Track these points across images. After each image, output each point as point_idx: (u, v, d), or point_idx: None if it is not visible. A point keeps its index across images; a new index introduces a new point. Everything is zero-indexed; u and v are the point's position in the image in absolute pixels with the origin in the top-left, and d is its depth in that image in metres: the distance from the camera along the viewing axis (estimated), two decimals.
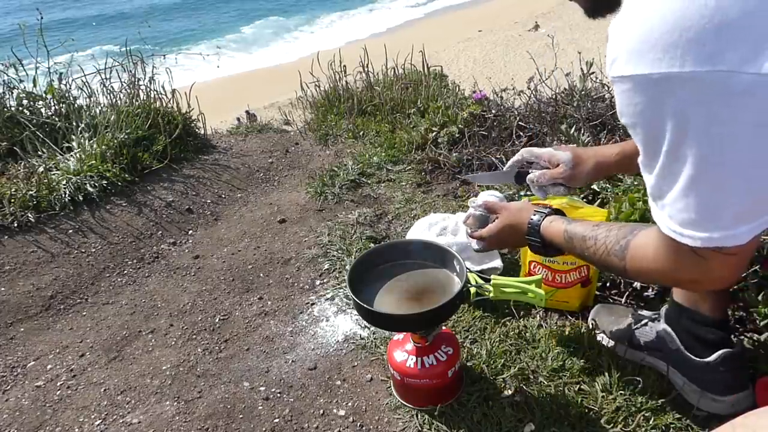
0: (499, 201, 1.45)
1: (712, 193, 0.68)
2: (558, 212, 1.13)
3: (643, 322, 1.32)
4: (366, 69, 3.62)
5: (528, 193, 1.49)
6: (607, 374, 1.28)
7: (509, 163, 1.41)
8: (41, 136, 2.60)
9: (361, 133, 3.03)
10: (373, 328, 1.56)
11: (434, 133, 2.61)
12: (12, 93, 2.79)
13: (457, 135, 2.54)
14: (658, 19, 0.63)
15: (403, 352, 1.26)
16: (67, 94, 2.86)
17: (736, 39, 0.59)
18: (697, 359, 1.18)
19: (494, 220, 1.25)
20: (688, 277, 0.79)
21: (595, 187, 1.79)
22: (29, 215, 2.18)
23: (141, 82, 2.95)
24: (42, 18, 2.81)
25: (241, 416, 1.35)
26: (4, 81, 2.78)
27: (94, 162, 2.40)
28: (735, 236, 0.69)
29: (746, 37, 0.59)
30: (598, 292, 1.56)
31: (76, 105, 2.85)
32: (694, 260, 0.74)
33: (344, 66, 3.64)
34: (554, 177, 1.29)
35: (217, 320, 1.72)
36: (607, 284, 1.58)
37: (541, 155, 1.33)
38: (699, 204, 0.69)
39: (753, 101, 0.60)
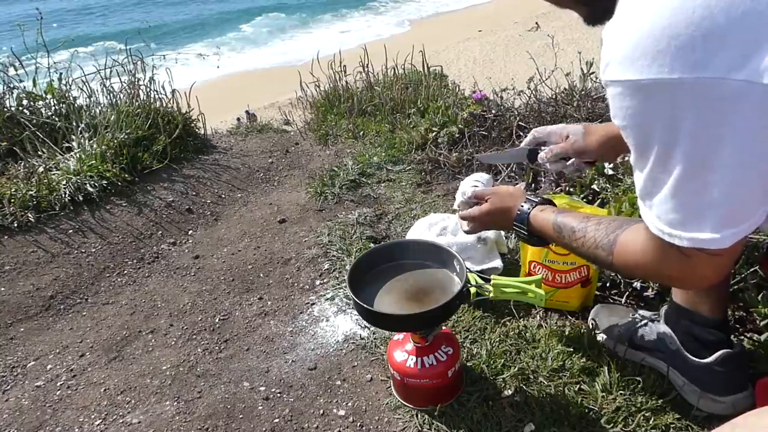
0: (485, 183, 1.43)
1: (698, 196, 0.69)
2: (548, 202, 1.13)
3: (643, 322, 1.32)
4: (366, 69, 3.62)
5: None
6: (607, 374, 1.28)
7: (523, 142, 1.38)
8: (41, 136, 2.60)
9: (361, 133, 3.03)
10: (373, 328, 1.56)
11: (434, 133, 2.61)
12: (12, 93, 2.79)
13: (457, 135, 2.54)
14: (648, 27, 0.64)
15: (403, 352, 1.26)
16: (67, 94, 2.86)
17: (724, 46, 0.60)
18: (697, 360, 1.18)
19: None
20: (673, 275, 0.81)
21: (594, 187, 1.79)
22: (29, 215, 2.18)
23: (141, 82, 2.95)
24: (42, 18, 2.81)
25: (241, 416, 1.35)
26: (4, 81, 2.78)
27: (94, 162, 2.40)
28: (720, 239, 0.70)
29: (733, 45, 0.59)
30: (598, 292, 1.56)
31: (76, 105, 2.85)
32: (680, 258, 0.76)
33: (344, 66, 3.64)
34: (564, 150, 1.28)
35: (217, 320, 1.72)
36: (607, 284, 1.58)
37: (553, 130, 1.32)
38: (686, 206, 0.71)
39: (741, 106, 0.61)
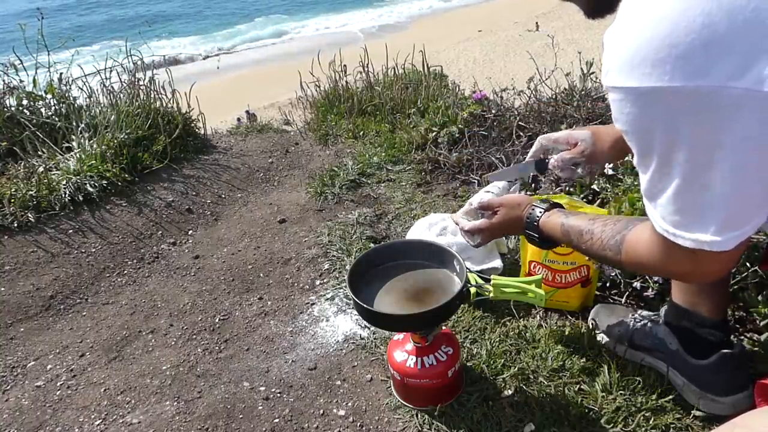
0: (500, 191, 1.40)
1: (699, 199, 0.70)
2: (557, 206, 1.14)
3: (643, 322, 1.32)
4: (366, 69, 3.62)
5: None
6: (607, 374, 1.28)
7: (530, 153, 1.38)
8: (41, 136, 2.60)
9: (361, 133, 3.03)
10: (373, 328, 1.56)
11: (434, 133, 2.61)
12: (12, 93, 2.79)
13: (457, 135, 2.54)
14: (648, 34, 0.64)
15: (403, 352, 1.26)
16: (67, 94, 2.86)
17: (724, 55, 0.60)
18: (697, 360, 1.18)
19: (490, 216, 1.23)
20: (680, 270, 0.82)
21: (594, 187, 1.79)
22: (29, 215, 2.18)
23: (141, 82, 2.95)
24: (42, 18, 2.81)
25: (241, 416, 1.35)
26: (4, 81, 2.78)
27: (94, 162, 2.40)
28: (722, 242, 0.71)
29: (733, 53, 0.59)
30: (598, 292, 1.56)
31: (76, 105, 2.85)
32: (686, 255, 0.77)
33: (344, 66, 3.64)
34: (573, 157, 1.27)
35: (217, 320, 1.72)
36: (607, 284, 1.58)
37: (559, 138, 1.31)
38: (688, 209, 0.72)
39: (740, 114, 0.61)
